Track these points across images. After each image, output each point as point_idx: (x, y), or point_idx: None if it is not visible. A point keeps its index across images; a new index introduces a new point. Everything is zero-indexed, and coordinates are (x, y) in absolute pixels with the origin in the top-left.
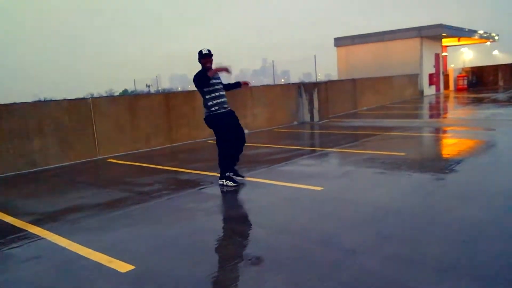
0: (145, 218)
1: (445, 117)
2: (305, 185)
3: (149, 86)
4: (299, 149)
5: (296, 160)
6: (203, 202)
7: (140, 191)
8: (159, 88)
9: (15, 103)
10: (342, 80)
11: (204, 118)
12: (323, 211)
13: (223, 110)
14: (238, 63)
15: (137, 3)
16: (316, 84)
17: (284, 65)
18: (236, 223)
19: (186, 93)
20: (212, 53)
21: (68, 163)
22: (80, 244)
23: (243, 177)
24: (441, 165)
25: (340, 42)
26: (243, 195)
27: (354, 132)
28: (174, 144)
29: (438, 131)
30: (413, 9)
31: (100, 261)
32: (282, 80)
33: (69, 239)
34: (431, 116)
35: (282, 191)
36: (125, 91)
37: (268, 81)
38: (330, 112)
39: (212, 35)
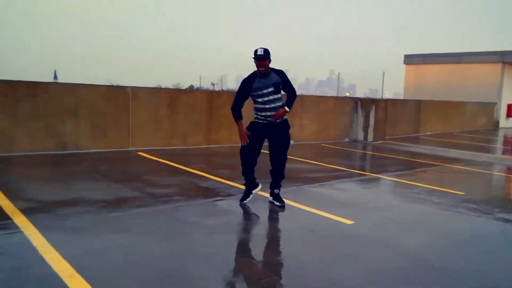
0: (139, 227)
1: None
2: (334, 215)
3: (214, 84)
4: (342, 170)
5: (334, 183)
6: (210, 218)
7: (151, 193)
8: (223, 88)
9: (53, 82)
10: (405, 100)
11: None
12: (344, 252)
13: (264, 121)
14: (304, 71)
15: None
16: (374, 101)
17: (352, 79)
18: (235, 250)
19: (231, 94)
20: (267, 55)
21: (97, 150)
22: (53, 246)
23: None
24: (510, 213)
25: (410, 59)
26: (259, 215)
27: (410, 159)
28: (211, 146)
29: (511, 170)
30: (494, 33)
31: (59, 273)
32: (347, 94)
33: (45, 238)
34: (504, 152)
35: (304, 218)
36: (190, 86)
37: (332, 93)
38: (387, 133)
39: (281, 37)
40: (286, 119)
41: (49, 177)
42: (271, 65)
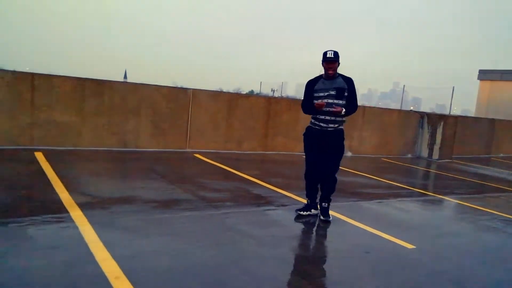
0: (188, 231)
1: None
2: (394, 237)
3: (274, 90)
4: (403, 187)
5: (393, 201)
6: (260, 228)
7: (203, 197)
8: (283, 94)
9: (118, 81)
10: (477, 118)
11: None
12: (402, 279)
13: (317, 127)
14: (367, 82)
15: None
16: (443, 117)
17: (416, 92)
18: (283, 267)
19: (290, 101)
20: (337, 57)
21: (156, 149)
22: (104, 244)
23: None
24: None
25: (485, 75)
26: (311, 229)
27: (480, 182)
28: (267, 152)
29: None
30: None
31: (106, 274)
32: (411, 107)
33: (97, 235)
34: None
35: (360, 237)
36: (251, 91)
37: (395, 105)
38: (455, 151)
39: (346, 48)
40: (341, 129)
41: (108, 173)
42: (341, 71)
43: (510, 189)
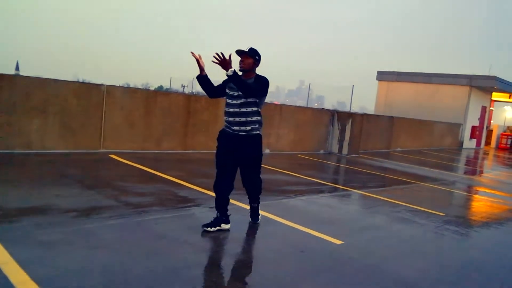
0: (116, 242)
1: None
2: (322, 233)
3: (184, 86)
4: (321, 183)
5: (315, 197)
6: (193, 233)
7: (127, 202)
8: (193, 90)
9: (20, 75)
10: (379, 116)
11: None
12: (340, 275)
13: (226, 129)
14: (275, 80)
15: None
16: (351, 115)
17: (320, 90)
18: (222, 273)
19: (210, 99)
20: (251, 53)
21: (66, 150)
22: (20, 264)
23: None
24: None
25: (383, 76)
26: (245, 231)
27: (385, 175)
28: (187, 151)
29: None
30: (464, 56)
31: None
32: (316, 104)
33: (10, 254)
34: (472, 173)
35: (291, 235)
36: (160, 87)
37: (301, 103)
38: (361, 147)
39: (253, 46)
40: (256, 134)
41: (12, 179)
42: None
43: (410, 180)
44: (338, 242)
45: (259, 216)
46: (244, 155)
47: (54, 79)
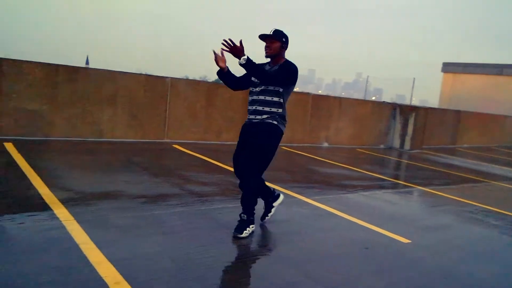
0: (183, 229)
1: None
2: (387, 231)
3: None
4: (383, 179)
5: (377, 193)
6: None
7: (191, 191)
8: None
9: (93, 68)
10: (444, 109)
11: None
12: (407, 276)
13: (246, 120)
14: (331, 72)
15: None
16: (415, 109)
17: (378, 83)
18: (286, 265)
19: None
20: (276, 35)
21: (133, 140)
22: (97, 246)
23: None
24: None
25: (449, 68)
26: (307, 224)
27: (452, 172)
28: None
29: None
30: None
31: (105, 279)
32: (373, 97)
33: (88, 235)
34: None
35: (355, 231)
36: (217, 80)
37: (358, 95)
38: (424, 142)
39: (310, 37)
40: (270, 123)
41: (86, 165)
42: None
43: (481, 179)
44: (405, 240)
45: (245, 231)
46: (248, 139)
47: (123, 72)
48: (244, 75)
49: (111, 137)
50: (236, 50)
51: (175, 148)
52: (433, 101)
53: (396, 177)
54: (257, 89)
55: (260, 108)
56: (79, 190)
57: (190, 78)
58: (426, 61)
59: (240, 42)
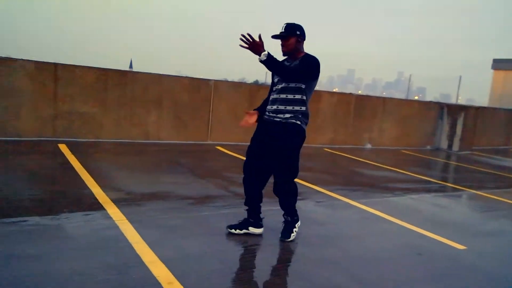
0: (223, 226)
1: None
2: (440, 236)
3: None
4: (431, 181)
5: (425, 196)
6: (302, 226)
7: (236, 193)
8: None
9: (140, 72)
10: (495, 109)
11: None
12: (464, 285)
13: (265, 117)
14: (371, 72)
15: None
16: (464, 108)
17: (421, 82)
18: (332, 267)
19: (319, 92)
20: (288, 32)
21: (177, 141)
22: (149, 245)
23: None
24: None
25: (500, 65)
26: (352, 228)
27: (505, 174)
28: None
29: None
30: None
31: (158, 279)
32: (416, 97)
33: (140, 235)
34: None
35: (405, 236)
36: (255, 81)
37: (400, 95)
38: (474, 143)
39: (349, 37)
40: (293, 123)
41: (135, 166)
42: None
43: None
44: (460, 246)
45: (292, 234)
46: (271, 142)
47: (168, 75)
48: (270, 90)
49: (157, 139)
50: (256, 46)
51: (218, 149)
52: (480, 100)
53: (446, 180)
54: (278, 86)
55: (282, 107)
56: (129, 190)
57: (229, 80)
58: (473, 59)
59: (259, 37)
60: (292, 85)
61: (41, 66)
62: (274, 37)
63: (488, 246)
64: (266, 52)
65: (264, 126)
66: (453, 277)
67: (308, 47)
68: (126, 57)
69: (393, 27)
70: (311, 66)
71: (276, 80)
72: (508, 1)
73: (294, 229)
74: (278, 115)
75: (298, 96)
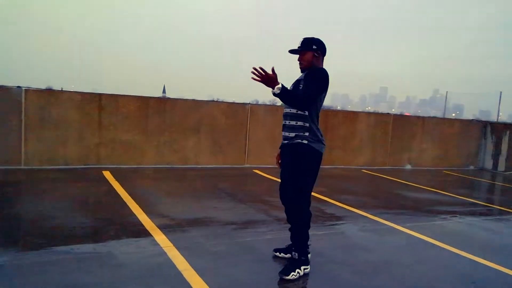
0: (275, 257)
1: None
2: (494, 263)
3: None
4: (478, 203)
5: (475, 220)
6: (345, 252)
7: (277, 217)
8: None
9: (179, 99)
10: None
11: None
12: None
13: (283, 141)
14: (405, 89)
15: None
16: (509, 126)
17: (457, 99)
18: None
19: (347, 113)
20: (304, 47)
21: (215, 165)
22: (197, 272)
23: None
24: None
25: None
26: (402, 254)
27: None
28: (325, 166)
29: None
30: None
31: None
32: (453, 114)
33: (187, 261)
34: None
35: (457, 264)
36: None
37: (435, 113)
38: None
39: (384, 55)
40: (299, 143)
41: (176, 191)
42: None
43: None
44: None
45: (293, 273)
46: (283, 164)
47: (206, 101)
48: None
49: (195, 163)
50: (270, 79)
51: (256, 173)
52: None
53: (493, 202)
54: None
55: (291, 123)
56: (173, 216)
57: (260, 102)
58: (510, 74)
59: (273, 70)
60: (294, 111)
61: (87, 97)
62: (291, 51)
63: None
64: (280, 85)
65: (281, 152)
66: None
67: (341, 65)
68: (159, 82)
69: (427, 46)
70: (318, 80)
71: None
72: None
73: (298, 270)
74: (287, 135)
75: (300, 112)
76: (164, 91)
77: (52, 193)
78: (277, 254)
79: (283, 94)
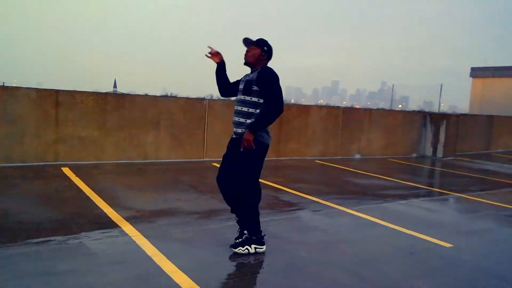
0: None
1: None
2: (429, 236)
3: None
4: (417, 187)
5: (414, 201)
6: (304, 233)
7: None
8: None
9: (138, 95)
10: (475, 115)
11: None
12: (453, 277)
13: (232, 135)
14: (355, 83)
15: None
16: (445, 116)
17: (403, 91)
18: (341, 271)
19: (301, 106)
20: (254, 42)
21: (176, 159)
22: (167, 257)
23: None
24: None
25: (478, 73)
26: (349, 233)
27: (488, 178)
28: (280, 158)
29: None
30: None
31: (182, 286)
32: (400, 106)
33: (157, 248)
34: None
35: (398, 239)
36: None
37: (384, 104)
38: (457, 149)
39: (332, 49)
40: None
41: (139, 185)
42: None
43: None
44: (447, 245)
45: (241, 247)
46: (228, 153)
47: (164, 96)
48: (235, 82)
49: (155, 158)
50: (249, 140)
51: (215, 166)
52: (462, 107)
53: (432, 185)
54: (239, 97)
55: (242, 120)
56: (139, 208)
57: (215, 97)
58: (452, 67)
59: (251, 141)
60: (248, 98)
61: (43, 93)
62: (246, 39)
63: (474, 244)
64: (253, 131)
65: (229, 143)
66: (443, 272)
67: (294, 60)
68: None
69: (376, 37)
70: (273, 81)
71: (240, 88)
72: (481, 12)
73: (247, 247)
74: (237, 130)
75: (252, 110)
76: (115, 86)
77: (12, 190)
78: (237, 250)
79: (261, 127)
